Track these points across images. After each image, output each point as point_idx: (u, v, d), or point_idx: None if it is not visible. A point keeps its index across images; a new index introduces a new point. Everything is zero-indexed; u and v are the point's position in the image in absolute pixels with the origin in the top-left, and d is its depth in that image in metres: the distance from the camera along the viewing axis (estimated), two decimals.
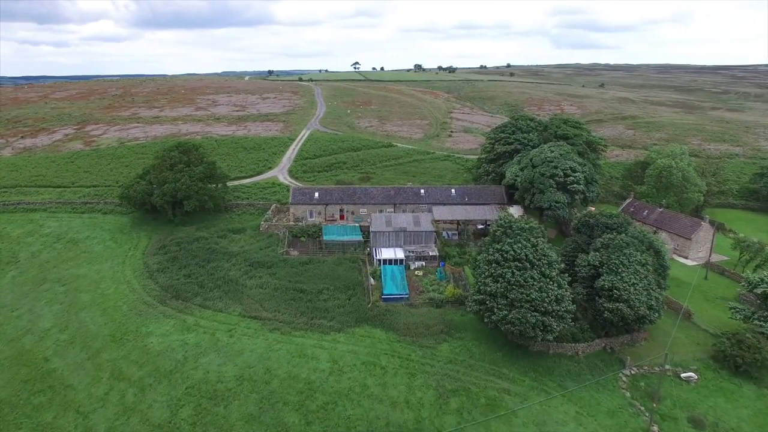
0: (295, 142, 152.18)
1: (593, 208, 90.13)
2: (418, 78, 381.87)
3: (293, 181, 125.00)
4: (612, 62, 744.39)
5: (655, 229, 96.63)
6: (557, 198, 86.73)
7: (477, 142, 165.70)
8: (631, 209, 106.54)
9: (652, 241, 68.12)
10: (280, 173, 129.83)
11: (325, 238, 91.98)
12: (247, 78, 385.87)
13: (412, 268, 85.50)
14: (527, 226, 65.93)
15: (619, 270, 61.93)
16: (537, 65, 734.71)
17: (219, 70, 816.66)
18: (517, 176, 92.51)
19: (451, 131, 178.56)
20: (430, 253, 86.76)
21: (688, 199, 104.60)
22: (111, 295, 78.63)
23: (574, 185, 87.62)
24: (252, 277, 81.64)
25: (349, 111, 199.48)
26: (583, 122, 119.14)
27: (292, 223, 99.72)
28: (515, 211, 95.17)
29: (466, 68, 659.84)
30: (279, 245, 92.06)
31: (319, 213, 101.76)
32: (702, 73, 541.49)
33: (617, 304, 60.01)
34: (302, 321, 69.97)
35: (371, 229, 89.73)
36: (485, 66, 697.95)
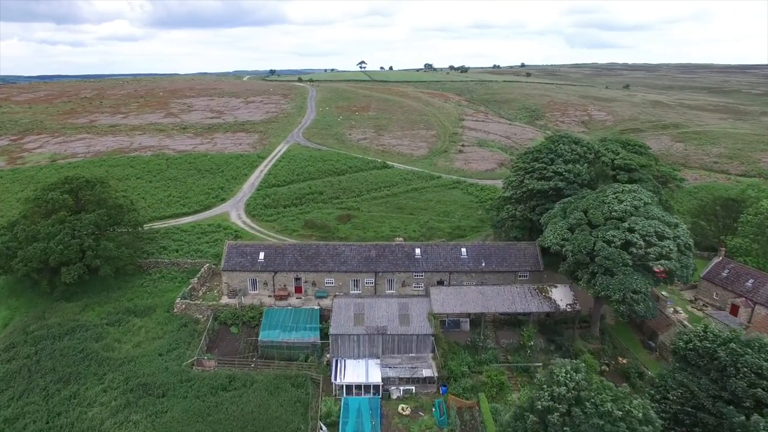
0: (265, 162, 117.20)
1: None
2: (428, 78, 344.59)
3: (248, 221, 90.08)
4: (630, 62, 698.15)
5: None
6: (635, 285, 50.64)
7: (494, 159, 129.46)
8: (724, 274, 69.85)
9: None
10: (235, 208, 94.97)
11: (262, 336, 57.07)
12: (245, 78, 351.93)
13: (394, 397, 50.39)
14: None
15: None
16: (552, 65, 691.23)
17: (230, 69, 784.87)
18: (564, 241, 56.49)
19: (462, 145, 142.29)
20: (424, 373, 51.43)
21: None
22: None
23: (663, 261, 51.45)
24: (125, 421, 46.91)
25: (340, 118, 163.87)
26: (647, 146, 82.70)
27: (222, 302, 64.85)
28: (561, 293, 59.18)
29: (479, 68, 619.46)
30: (194, 343, 57.49)
31: (266, 284, 66.81)
32: (730, 72, 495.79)
33: None
34: None
35: (331, 331, 54.42)
36: (498, 66, 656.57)
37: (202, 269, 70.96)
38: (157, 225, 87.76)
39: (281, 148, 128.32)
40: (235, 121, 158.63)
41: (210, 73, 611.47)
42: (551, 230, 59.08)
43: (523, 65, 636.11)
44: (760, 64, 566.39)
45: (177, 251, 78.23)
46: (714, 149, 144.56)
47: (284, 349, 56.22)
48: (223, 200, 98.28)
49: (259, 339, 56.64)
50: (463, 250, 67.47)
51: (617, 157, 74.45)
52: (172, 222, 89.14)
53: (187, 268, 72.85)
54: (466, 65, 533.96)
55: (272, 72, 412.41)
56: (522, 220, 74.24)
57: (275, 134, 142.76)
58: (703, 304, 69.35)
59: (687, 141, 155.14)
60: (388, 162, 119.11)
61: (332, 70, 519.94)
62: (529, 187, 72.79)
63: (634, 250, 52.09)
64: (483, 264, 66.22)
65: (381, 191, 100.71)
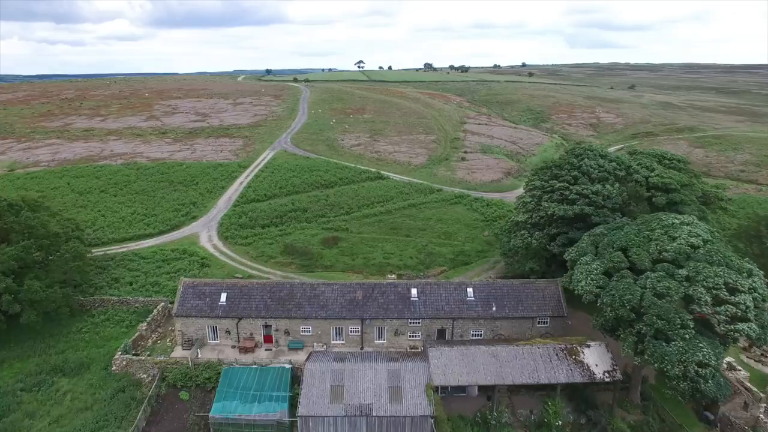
0: (246, 173, 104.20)
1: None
2: (428, 78, 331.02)
3: (220, 244, 77.26)
4: (632, 62, 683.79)
5: None
6: (701, 355, 37.78)
7: (500, 168, 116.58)
8: None
9: None
10: (206, 228, 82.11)
11: (214, 410, 44.23)
12: (240, 78, 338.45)
13: None
14: None
15: None
16: (553, 65, 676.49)
17: (231, 69, 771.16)
18: (599, 289, 43.55)
19: (465, 151, 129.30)
20: None
21: None
22: None
23: (740, 327, 38.52)
24: None
25: (333, 122, 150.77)
26: (687, 159, 69.87)
27: (175, 355, 52.04)
28: (597, 356, 46.19)
29: (480, 68, 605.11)
30: (129, 417, 44.76)
31: (228, 332, 54.01)
32: (734, 72, 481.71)
33: None
34: None
35: (300, 411, 41.60)
36: (499, 65, 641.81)
37: (156, 310, 58.10)
38: (114, 249, 75.06)
39: (266, 156, 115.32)
40: (219, 124, 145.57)
41: (210, 73, 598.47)
42: (582, 273, 46.07)
43: (524, 65, 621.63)
44: (764, 64, 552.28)
45: (131, 284, 65.44)
46: (738, 156, 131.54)
47: (242, 428, 43.45)
48: (195, 218, 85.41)
49: (210, 415, 43.83)
50: (470, 290, 54.60)
51: (652, 174, 61.62)
52: (133, 245, 76.31)
53: (138, 308, 59.98)
54: (467, 65, 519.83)
55: (268, 72, 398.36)
56: (539, 250, 61.38)
57: (261, 140, 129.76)
58: (762, 354, 56.62)
59: (707, 146, 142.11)
60: (383, 172, 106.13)
61: (329, 70, 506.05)
62: (549, 212, 59.90)
63: (698, 308, 39.23)
64: (494, 308, 53.40)
65: (374, 207, 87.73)
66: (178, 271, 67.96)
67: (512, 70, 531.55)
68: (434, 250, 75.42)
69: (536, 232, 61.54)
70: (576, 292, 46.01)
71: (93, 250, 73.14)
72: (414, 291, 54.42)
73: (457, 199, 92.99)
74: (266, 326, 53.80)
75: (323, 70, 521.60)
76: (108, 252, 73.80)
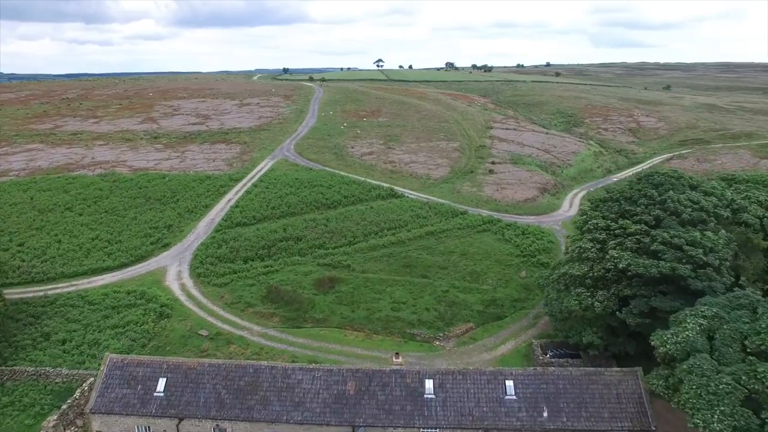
0: (237, 187, 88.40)
1: None
2: (449, 78, 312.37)
3: (190, 283, 61.37)
4: (661, 61, 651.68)
5: None
6: None
7: (534, 182, 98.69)
8: None
9: None
10: (178, 261, 66.30)
11: None
12: (256, 77, 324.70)
13: None
14: None
15: None
16: (579, 64, 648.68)
17: (252, 68, 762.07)
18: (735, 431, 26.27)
19: (493, 161, 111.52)
20: None
21: None
22: None
23: None
24: None
25: (344, 126, 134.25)
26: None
27: None
28: None
29: (503, 67, 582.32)
30: None
31: None
32: None
33: None
34: None
35: None
36: (522, 65, 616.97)
37: (79, 391, 42.06)
38: (60, 288, 59.90)
39: (263, 167, 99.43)
40: (219, 128, 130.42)
41: (231, 72, 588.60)
42: (703, 397, 28.38)
43: (548, 64, 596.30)
44: None
45: (64, 343, 50.00)
46: None
47: None
48: (166, 246, 69.76)
49: None
50: (510, 384, 37.45)
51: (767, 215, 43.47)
52: (84, 282, 61.09)
53: (58, 384, 44.22)
54: (489, 64, 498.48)
55: (285, 70, 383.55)
56: (603, 316, 43.83)
57: (262, 146, 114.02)
58: None
59: None
60: (396, 188, 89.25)
61: (348, 69, 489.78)
62: (619, 265, 42.28)
63: None
64: (545, 413, 36.20)
65: (383, 236, 70.80)
66: (127, 324, 52.28)
67: (536, 69, 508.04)
68: (457, 297, 58.30)
69: (599, 292, 43.91)
70: (699, 427, 28.28)
71: (33, 289, 58.61)
72: (429, 384, 37.48)
73: (485, 225, 75.51)
74: (220, 430, 37.56)
75: (342, 69, 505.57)
76: (50, 292, 58.59)
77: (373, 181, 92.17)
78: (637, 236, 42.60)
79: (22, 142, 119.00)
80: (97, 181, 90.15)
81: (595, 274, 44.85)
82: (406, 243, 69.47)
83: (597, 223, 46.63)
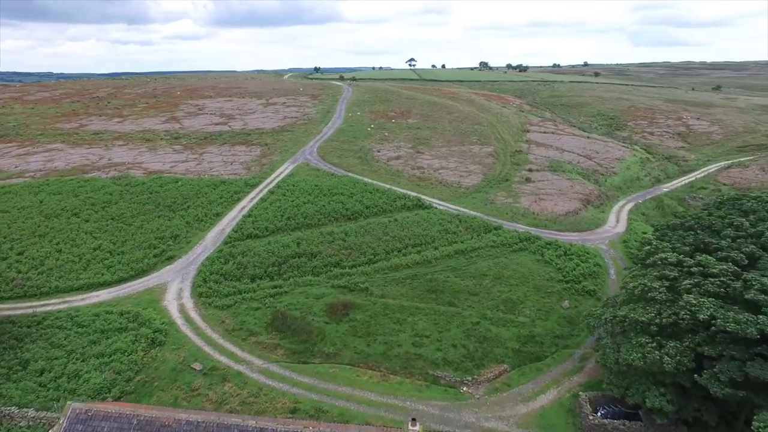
0: (252, 194, 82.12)
1: None
2: (483, 78, 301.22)
3: (190, 304, 55.03)
4: (707, 60, 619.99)
5: None
6: None
7: (575, 192, 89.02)
8: None
9: None
10: (180, 277, 60.17)
11: None
12: (286, 76, 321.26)
13: None
14: None
15: None
16: (618, 64, 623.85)
17: (286, 67, 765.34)
18: None
19: (530, 168, 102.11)
20: None
21: None
22: None
23: None
24: None
25: (371, 127, 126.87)
26: None
27: None
28: None
29: (538, 67, 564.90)
30: None
31: None
32: None
33: None
34: None
35: None
36: (559, 65, 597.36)
37: (66, 415, 36.06)
38: (51, 304, 54.56)
39: (283, 171, 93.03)
40: (242, 129, 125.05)
41: (266, 71, 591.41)
42: None
43: (586, 64, 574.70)
44: None
45: (41, 374, 44.22)
46: None
47: None
48: (170, 259, 63.78)
49: None
50: None
51: None
52: (77, 299, 55.59)
53: (23, 429, 38.32)
54: (525, 64, 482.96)
55: (317, 69, 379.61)
56: (675, 374, 34.89)
57: (283, 148, 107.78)
58: None
59: None
60: (424, 198, 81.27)
61: (380, 68, 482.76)
62: (699, 316, 33.28)
63: None
64: None
65: (407, 255, 62.93)
66: (114, 353, 46.20)
67: (574, 69, 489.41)
68: (489, 332, 50.00)
69: (670, 343, 35.01)
70: None
71: (23, 305, 53.61)
72: None
73: (522, 243, 66.68)
74: None
75: (374, 68, 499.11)
76: (40, 309, 53.29)
77: (399, 189, 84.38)
78: (722, 278, 33.50)
79: (45, 141, 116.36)
80: (109, 184, 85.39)
81: (664, 320, 35.92)
82: (432, 263, 61.43)
83: (666, 258, 37.58)
